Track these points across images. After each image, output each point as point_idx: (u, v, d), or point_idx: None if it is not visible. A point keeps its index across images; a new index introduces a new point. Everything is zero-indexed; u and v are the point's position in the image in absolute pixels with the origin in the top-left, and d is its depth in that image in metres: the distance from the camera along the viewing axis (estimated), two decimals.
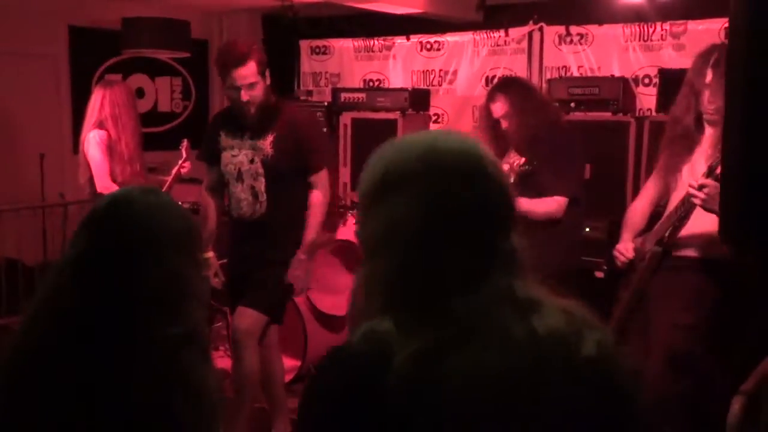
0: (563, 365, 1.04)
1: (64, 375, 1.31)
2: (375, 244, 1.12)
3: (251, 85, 3.18)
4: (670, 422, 2.66)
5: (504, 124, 3.53)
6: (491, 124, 3.57)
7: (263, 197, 3.31)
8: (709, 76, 2.74)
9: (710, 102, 2.75)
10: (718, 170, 2.49)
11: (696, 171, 2.78)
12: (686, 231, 2.83)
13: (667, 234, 2.86)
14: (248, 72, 3.16)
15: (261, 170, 3.29)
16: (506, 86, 3.63)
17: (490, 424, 1.00)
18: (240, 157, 3.32)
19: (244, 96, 3.18)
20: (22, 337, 1.37)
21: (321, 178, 3.35)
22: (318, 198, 3.34)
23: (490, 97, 3.59)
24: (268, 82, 3.27)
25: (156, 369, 1.32)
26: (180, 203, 1.55)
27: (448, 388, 1.00)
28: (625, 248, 3.01)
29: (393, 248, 1.08)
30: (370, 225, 1.12)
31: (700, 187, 2.56)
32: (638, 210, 3.12)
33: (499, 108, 3.53)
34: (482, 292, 1.05)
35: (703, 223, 2.67)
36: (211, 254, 3.48)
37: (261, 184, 3.31)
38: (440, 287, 1.06)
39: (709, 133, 2.81)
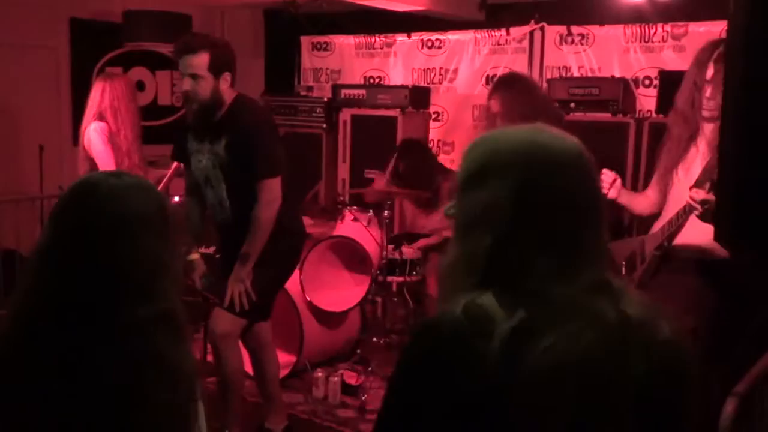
0: (646, 347, 1.13)
1: (44, 362, 1.32)
2: (471, 223, 1.18)
3: (195, 78, 3.06)
4: None
5: (500, 121, 3.53)
6: (491, 119, 3.57)
7: (226, 203, 3.25)
8: (710, 71, 2.70)
9: (710, 98, 2.70)
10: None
11: (692, 172, 2.76)
12: (685, 233, 2.83)
13: (665, 240, 2.85)
14: (196, 63, 3.05)
15: (221, 176, 3.21)
16: (508, 84, 3.63)
17: (581, 397, 1.08)
18: (204, 162, 3.24)
19: (185, 85, 3.09)
20: (5, 325, 1.38)
21: (264, 187, 3.12)
22: (257, 214, 3.13)
23: (491, 93, 3.60)
24: (224, 85, 3.11)
25: (131, 350, 1.32)
26: (153, 185, 1.52)
27: (546, 362, 1.06)
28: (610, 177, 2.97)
29: (490, 228, 1.15)
30: (468, 205, 1.19)
31: (703, 203, 2.53)
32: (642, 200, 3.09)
33: (496, 104, 3.54)
34: (575, 277, 1.13)
35: (701, 225, 2.66)
36: (196, 256, 3.42)
37: (223, 191, 3.23)
38: (533, 270, 1.13)
39: (708, 131, 2.76)
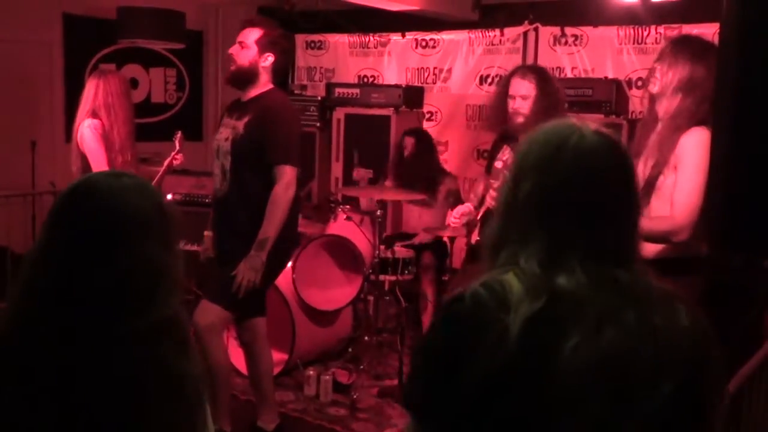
0: (667, 339, 1.16)
1: (43, 372, 1.29)
2: (505, 210, 1.26)
3: (242, 45, 3.35)
4: None
5: (516, 104, 3.43)
6: (501, 103, 3.49)
7: (228, 175, 3.33)
8: (656, 69, 2.71)
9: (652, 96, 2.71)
10: None
11: (645, 169, 2.74)
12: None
13: None
14: (247, 33, 3.36)
15: (230, 148, 3.32)
16: (538, 71, 3.54)
17: (607, 394, 1.11)
18: (223, 134, 3.38)
19: (232, 49, 3.38)
20: (2, 327, 1.35)
21: (281, 173, 3.23)
22: (275, 193, 3.22)
23: (519, 73, 3.49)
24: (263, 63, 3.34)
25: (135, 359, 1.29)
26: (151, 185, 1.47)
27: (572, 361, 1.10)
28: None
29: (516, 220, 1.23)
30: (506, 192, 1.26)
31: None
32: None
33: (521, 86, 3.43)
34: (594, 272, 1.16)
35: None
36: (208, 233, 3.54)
37: (228, 162, 3.32)
38: (554, 263, 1.17)
39: (657, 130, 2.73)
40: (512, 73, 3.54)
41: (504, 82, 3.56)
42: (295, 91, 6.60)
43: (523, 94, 3.41)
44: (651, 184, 2.65)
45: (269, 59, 3.36)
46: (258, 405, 3.62)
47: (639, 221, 1.25)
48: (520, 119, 3.42)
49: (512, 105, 3.43)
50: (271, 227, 3.20)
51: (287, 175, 3.24)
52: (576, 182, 1.20)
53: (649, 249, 2.73)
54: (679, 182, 2.62)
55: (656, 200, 2.64)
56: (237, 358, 4.04)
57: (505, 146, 3.61)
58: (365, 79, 6.75)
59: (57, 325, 1.30)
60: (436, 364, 1.20)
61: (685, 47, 2.70)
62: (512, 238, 1.22)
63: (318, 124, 6.26)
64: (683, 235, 2.55)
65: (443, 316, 1.23)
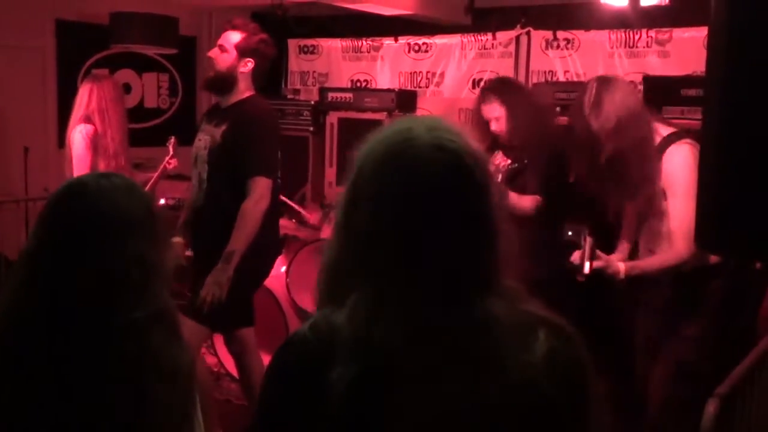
0: (517, 373, 1.04)
1: (37, 365, 1.31)
2: (338, 231, 1.15)
3: (221, 48, 3.27)
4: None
5: (494, 126, 3.52)
6: (481, 123, 3.55)
7: (204, 185, 3.25)
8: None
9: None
10: None
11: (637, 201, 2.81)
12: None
13: None
14: (228, 38, 3.27)
15: (206, 157, 3.24)
16: (500, 90, 3.58)
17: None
18: (202, 141, 3.30)
19: (211, 52, 3.31)
20: None
21: (253, 184, 3.11)
22: (244, 207, 3.09)
23: (483, 98, 3.55)
24: (242, 68, 3.25)
25: (129, 353, 1.32)
26: (140, 186, 1.51)
27: (401, 420, 1.00)
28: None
29: (348, 244, 1.12)
30: (342, 216, 1.14)
31: None
32: None
33: (491, 110, 3.51)
34: (423, 316, 1.04)
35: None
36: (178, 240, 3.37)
37: (205, 172, 3.25)
38: (384, 295, 1.05)
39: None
40: (477, 101, 3.61)
41: (475, 110, 3.61)
42: (288, 96, 6.60)
43: (495, 116, 3.50)
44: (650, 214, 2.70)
45: (249, 65, 3.26)
46: (250, 409, 3.61)
47: (492, 244, 1.09)
48: (505, 135, 3.50)
49: (491, 127, 3.52)
50: (238, 241, 3.07)
51: (259, 187, 3.12)
52: (410, 210, 1.05)
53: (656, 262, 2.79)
54: (672, 210, 2.64)
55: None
56: (231, 362, 4.03)
57: (497, 151, 3.63)
58: (358, 84, 6.76)
59: (52, 322, 1.32)
60: (265, 418, 1.13)
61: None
62: (345, 269, 1.10)
63: (311, 129, 6.25)
64: (690, 261, 2.61)
65: (272, 366, 1.13)
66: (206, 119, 3.39)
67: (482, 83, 6.01)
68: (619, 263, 2.75)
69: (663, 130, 2.77)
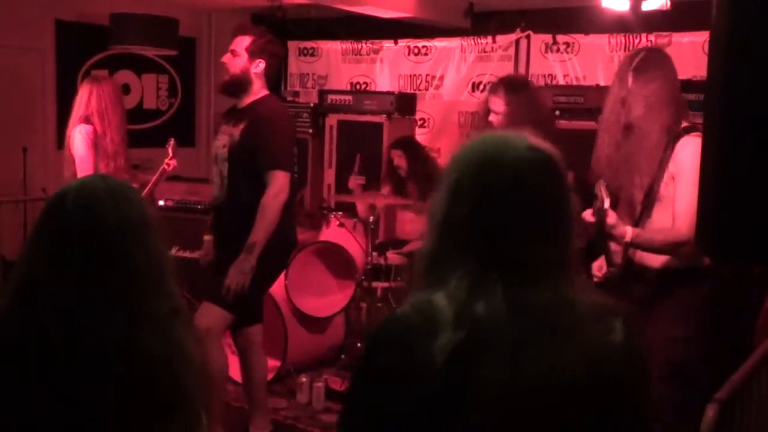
0: (596, 354, 1.17)
1: (62, 360, 1.31)
2: (436, 226, 1.24)
3: (233, 53, 3.39)
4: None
5: (491, 118, 3.56)
6: (486, 114, 3.61)
7: (225, 182, 3.36)
8: (630, 80, 2.70)
9: (629, 108, 2.68)
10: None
11: (642, 181, 2.74)
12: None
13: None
14: (238, 42, 3.40)
15: (227, 155, 3.35)
16: (509, 89, 3.59)
17: (527, 418, 1.13)
18: (220, 140, 3.41)
19: (225, 58, 3.44)
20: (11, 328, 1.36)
21: (272, 178, 3.24)
22: (264, 199, 3.22)
23: (493, 90, 3.63)
24: (255, 69, 3.38)
25: (157, 344, 1.35)
26: (134, 188, 1.55)
27: (493, 390, 1.12)
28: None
29: (449, 235, 1.22)
30: (436, 208, 1.25)
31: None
32: None
33: (495, 103, 3.56)
34: (520, 293, 1.16)
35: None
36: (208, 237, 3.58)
37: (225, 169, 3.36)
38: (480, 283, 1.16)
39: (648, 143, 2.70)
40: (489, 89, 3.67)
41: (485, 98, 3.69)
42: (288, 98, 6.61)
43: (496, 110, 3.56)
44: (652, 195, 2.67)
45: (260, 65, 3.38)
46: (250, 412, 3.61)
47: (572, 236, 1.24)
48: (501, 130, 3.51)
49: (491, 119, 3.58)
50: (259, 232, 3.21)
51: (278, 180, 3.24)
52: (513, 202, 1.18)
53: (656, 260, 2.77)
54: (679, 193, 2.64)
55: (658, 212, 2.67)
56: (230, 365, 4.03)
57: None
58: (358, 86, 6.76)
59: (73, 318, 1.33)
60: (367, 388, 1.21)
61: (651, 62, 2.74)
62: (444, 258, 1.21)
63: (310, 131, 6.26)
64: (688, 244, 2.57)
65: (375, 339, 1.25)
66: (224, 121, 3.51)
67: (480, 87, 6.04)
68: (626, 227, 2.73)
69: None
